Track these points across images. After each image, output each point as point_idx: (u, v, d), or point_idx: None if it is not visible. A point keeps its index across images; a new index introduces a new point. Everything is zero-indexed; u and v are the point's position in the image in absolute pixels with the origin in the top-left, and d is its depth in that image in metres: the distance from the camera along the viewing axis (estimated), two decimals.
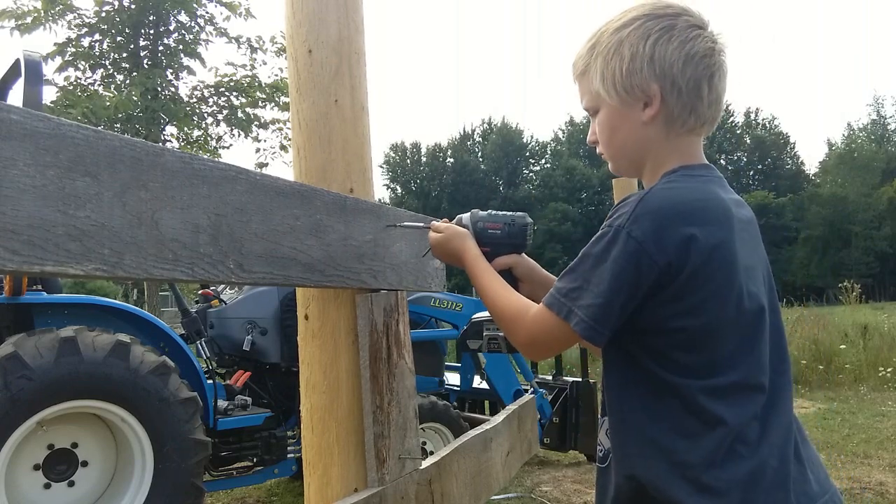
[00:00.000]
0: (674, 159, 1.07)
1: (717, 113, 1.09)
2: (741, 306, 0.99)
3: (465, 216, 1.32)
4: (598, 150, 1.16)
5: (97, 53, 11.65)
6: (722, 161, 47.65)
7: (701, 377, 0.97)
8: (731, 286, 0.98)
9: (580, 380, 4.99)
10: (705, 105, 1.05)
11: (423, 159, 50.42)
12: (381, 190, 52.05)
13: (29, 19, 10.66)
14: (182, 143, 12.61)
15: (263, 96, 12.39)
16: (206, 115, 12.48)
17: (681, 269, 0.94)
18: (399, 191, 50.69)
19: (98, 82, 11.82)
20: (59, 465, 3.03)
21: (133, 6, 11.43)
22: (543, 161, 50.81)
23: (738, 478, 0.94)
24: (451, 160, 49.26)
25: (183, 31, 12.09)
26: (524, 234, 1.30)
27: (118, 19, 11.40)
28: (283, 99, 12.35)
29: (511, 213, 1.33)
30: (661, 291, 0.96)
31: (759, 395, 1.00)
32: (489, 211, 1.32)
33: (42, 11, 10.74)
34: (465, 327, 1.30)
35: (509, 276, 1.26)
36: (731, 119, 56.98)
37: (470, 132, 51.59)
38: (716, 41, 1.05)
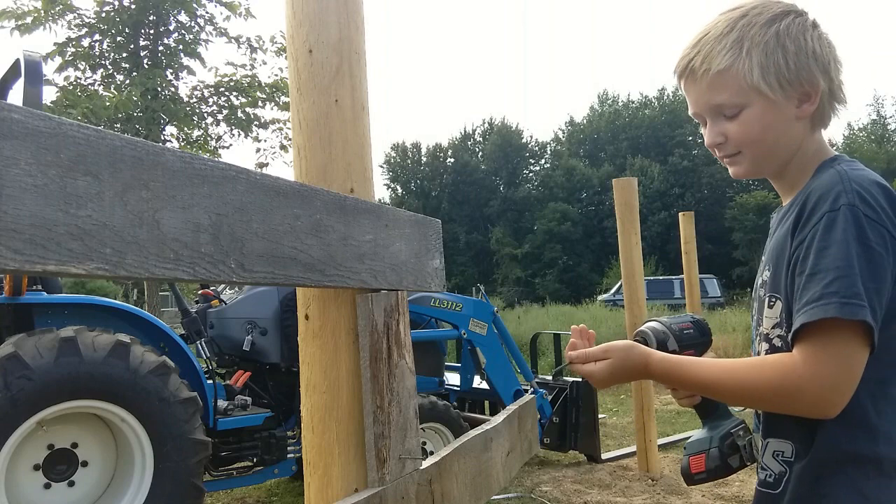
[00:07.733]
0: (818, 155, 1.04)
1: None
2: None
3: (650, 324, 1.19)
4: (720, 154, 1.07)
5: (97, 53, 11.65)
6: None
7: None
8: None
9: (580, 380, 4.99)
10: (843, 102, 1.04)
11: (424, 159, 50.38)
12: (381, 190, 52.08)
13: (29, 19, 10.66)
14: (182, 143, 12.62)
15: (263, 96, 12.39)
16: (206, 115, 12.49)
17: None
18: (399, 191, 50.62)
19: (98, 82, 11.83)
20: (59, 465, 3.03)
21: (133, 6, 11.43)
22: (543, 161, 50.81)
23: None
24: (452, 160, 49.24)
25: (183, 31, 12.09)
26: (708, 327, 1.21)
27: (118, 19, 11.40)
28: (283, 99, 12.36)
29: (679, 314, 1.24)
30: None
31: None
32: (661, 318, 1.20)
33: (42, 11, 10.74)
34: (714, 457, 1.09)
35: None
36: None
37: (470, 132, 51.60)
38: None
